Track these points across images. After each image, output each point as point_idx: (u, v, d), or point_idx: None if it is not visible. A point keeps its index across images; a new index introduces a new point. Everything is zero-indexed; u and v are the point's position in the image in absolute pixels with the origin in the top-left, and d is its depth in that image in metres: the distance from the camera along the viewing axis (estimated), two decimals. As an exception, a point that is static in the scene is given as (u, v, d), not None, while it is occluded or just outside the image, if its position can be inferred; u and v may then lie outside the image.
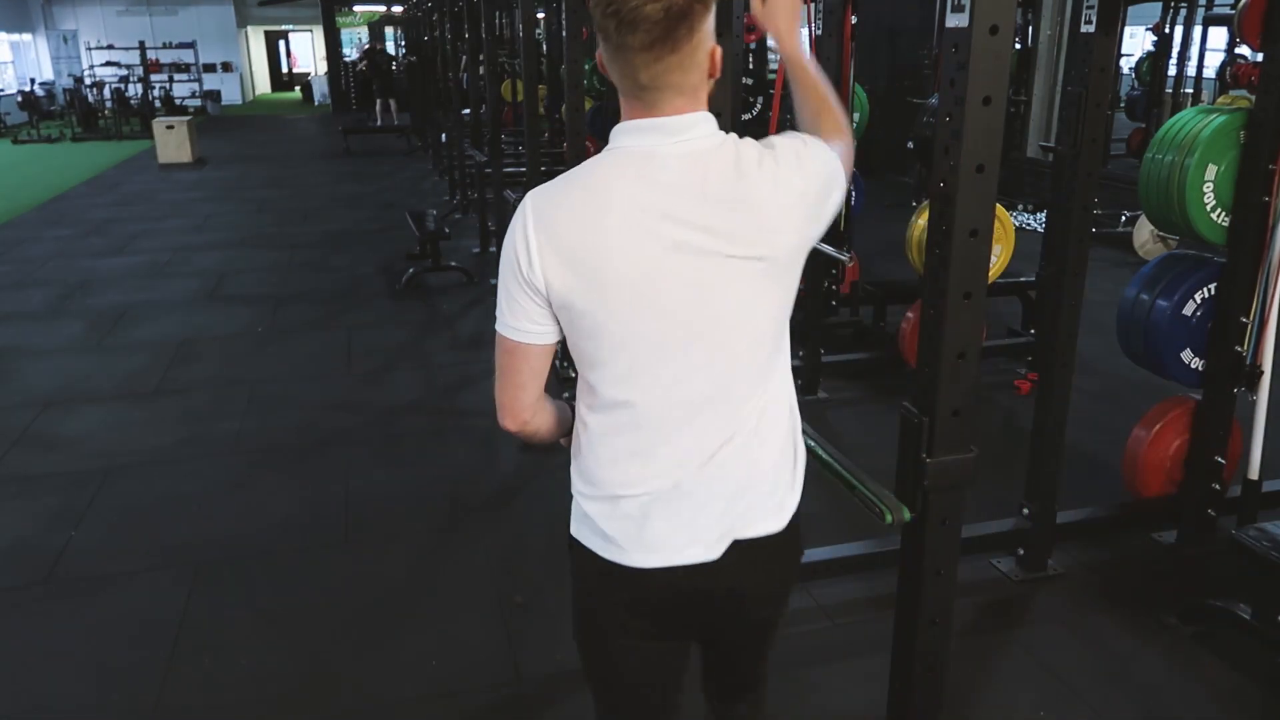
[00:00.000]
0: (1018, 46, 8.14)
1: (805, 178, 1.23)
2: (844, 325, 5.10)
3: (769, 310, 1.26)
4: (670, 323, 1.21)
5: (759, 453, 1.29)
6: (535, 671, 2.42)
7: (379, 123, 16.93)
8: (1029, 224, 7.80)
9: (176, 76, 22.89)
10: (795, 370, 4.21)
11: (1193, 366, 2.88)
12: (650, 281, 1.19)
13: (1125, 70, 9.19)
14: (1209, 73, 8.48)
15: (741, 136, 1.27)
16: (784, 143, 1.25)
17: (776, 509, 1.33)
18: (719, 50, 1.22)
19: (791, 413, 1.34)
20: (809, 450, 1.58)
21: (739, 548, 1.29)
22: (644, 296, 1.20)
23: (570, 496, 1.36)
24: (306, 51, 28.77)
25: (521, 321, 1.26)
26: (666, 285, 1.20)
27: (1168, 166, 2.74)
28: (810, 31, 4.17)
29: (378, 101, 17.23)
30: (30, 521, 3.22)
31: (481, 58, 7.76)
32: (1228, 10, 7.85)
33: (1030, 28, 8.51)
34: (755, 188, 1.19)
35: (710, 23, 1.19)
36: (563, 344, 1.30)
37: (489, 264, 6.82)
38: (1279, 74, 2.54)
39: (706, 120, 1.22)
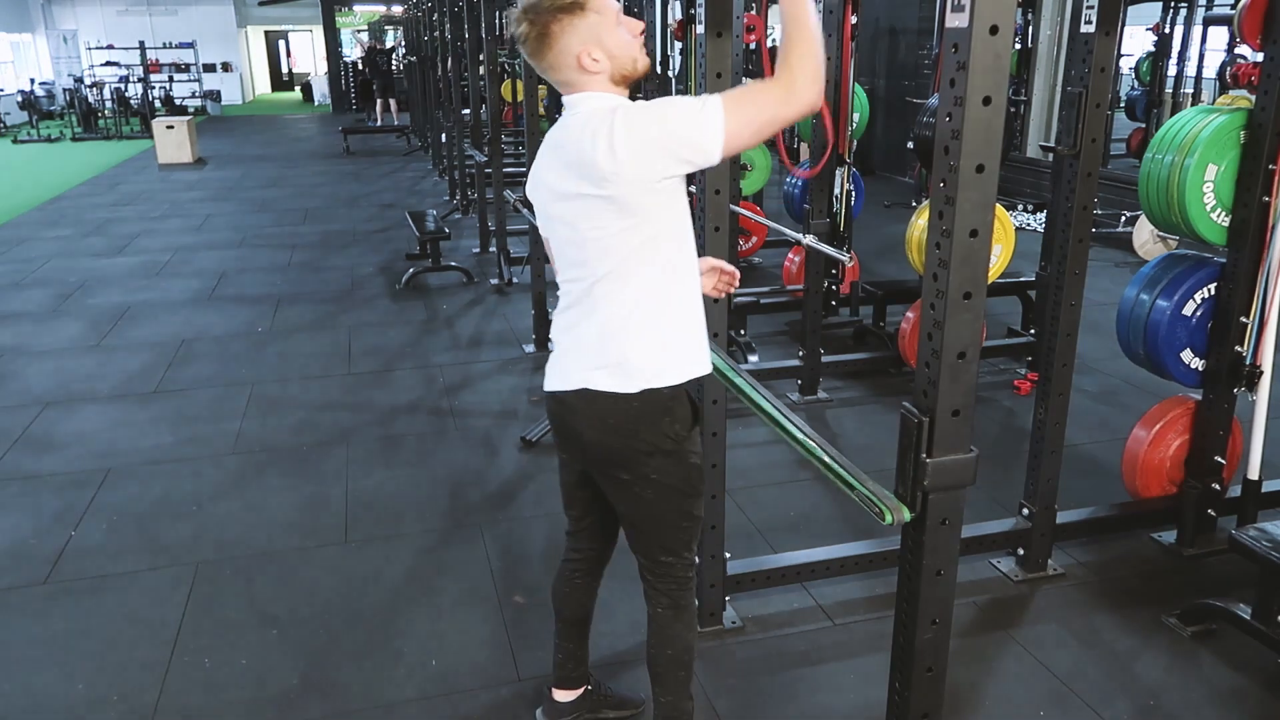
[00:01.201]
0: (1018, 46, 8.15)
1: (629, 147, 1.56)
2: (844, 325, 5.10)
3: (617, 233, 1.64)
4: (559, 240, 1.75)
5: (619, 335, 1.71)
6: (535, 671, 2.42)
7: (379, 123, 16.94)
8: (1029, 224, 7.80)
9: (176, 76, 22.91)
10: (795, 370, 4.26)
11: (1193, 366, 2.88)
12: (549, 210, 1.74)
13: (1125, 70, 9.18)
14: (1209, 73, 8.47)
15: None
16: (623, 120, 1.57)
17: (611, 376, 1.72)
18: (586, 52, 1.63)
19: (644, 317, 1.70)
20: (808, 451, 1.67)
21: (583, 394, 1.74)
22: (548, 220, 1.76)
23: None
24: (306, 51, 28.78)
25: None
26: (555, 213, 1.72)
27: (1168, 167, 2.74)
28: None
29: (378, 101, 17.24)
30: (30, 521, 3.22)
31: (482, 57, 7.77)
32: (1228, 10, 7.84)
33: (1030, 28, 8.52)
34: (595, 152, 1.57)
35: (573, 34, 1.62)
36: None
37: (488, 264, 6.82)
38: (1279, 74, 2.54)
39: (589, 99, 1.66)
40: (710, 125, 1.52)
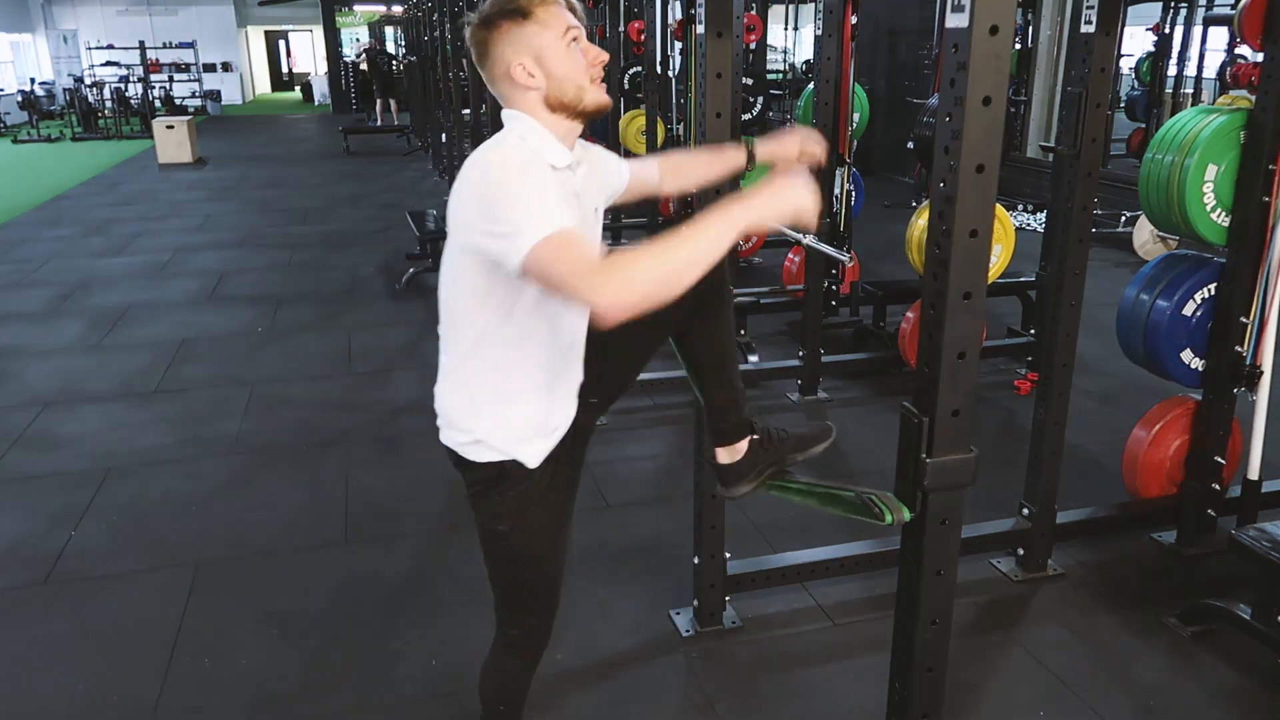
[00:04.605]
0: (1018, 46, 8.15)
1: (462, 200, 1.45)
2: (844, 325, 5.10)
3: (453, 279, 1.54)
4: None
5: (442, 387, 1.63)
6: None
7: (379, 123, 16.94)
8: (1029, 224, 7.80)
9: (176, 76, 22.91)
10: (795, 370, 4.26)
11: (1193, 366, 2.88)
12: None
13: (1125, 70, 9.19)
14: (1209, 73, 8.48)
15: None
16: (469, 171, 1.46)
17: (446, 430, 1.64)
18: (520, 64, 1.49)
19: (467, 376, 1.59)
20: (797, 490, 1.85)
21: None
22: None
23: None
24: (306, 51, 28.78)
25: None
26: None
27: (1168, 167, 2.74)
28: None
29: (378, 101, 17.24)
30: (30, 521, 3.22)
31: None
32: (1228, 10, 7.85)
33: (1030, 28, 8.53)
34: (456, 188, 1.48)
35: (509, 43, 1.48)
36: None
37: (489, 264, 6.81)
38: (1279, 74, 2.54)
39: (513, 123, 1.52)
40: (519, 245, 1.32)
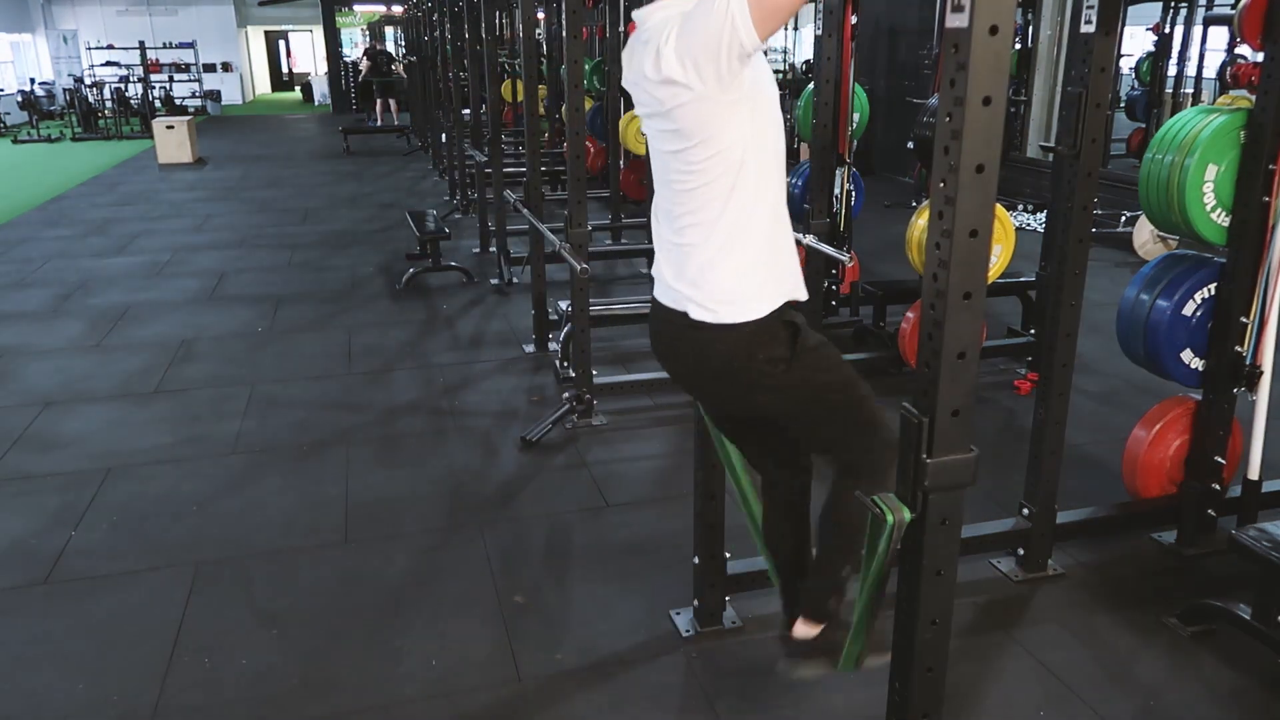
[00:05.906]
0: (1018, 46, 8.15)
1: (675, 52, 1.61)
2: (844, 325, 5.10)
3: (678, 146, 1.70)
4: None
5: (692, 252, 1.77)
6: (535, 671, 2.42)
7: (378, 123, 16.95)
8: (1029, 224, 7.80)
9: (176, 76, 22.92)
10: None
11: (1193, 366, 2.88)
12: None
13: (1125, 70, 9.19)
14: (1209, 73, 8.48)
15: None
16: (672, 29, 1.63)
17: (667, 291, 1.83)
18: None
19: (724, 238, 1.73)
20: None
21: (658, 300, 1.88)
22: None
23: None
24: (306, 52, 28.79)
25: None
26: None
27: (1168, 167, 2.74)
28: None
29: (378, 101, 17.25)
30: (30, 521, 3.22)
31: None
32: (1228, 10, 7.85)
33: (1030, 28, 8.53)
34: (662, 52, 1.63)
35: None
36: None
37: (489, 264, 6.82)
38: (1279, 74, 2.54)
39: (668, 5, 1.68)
40: (736, 9, 1.53)
